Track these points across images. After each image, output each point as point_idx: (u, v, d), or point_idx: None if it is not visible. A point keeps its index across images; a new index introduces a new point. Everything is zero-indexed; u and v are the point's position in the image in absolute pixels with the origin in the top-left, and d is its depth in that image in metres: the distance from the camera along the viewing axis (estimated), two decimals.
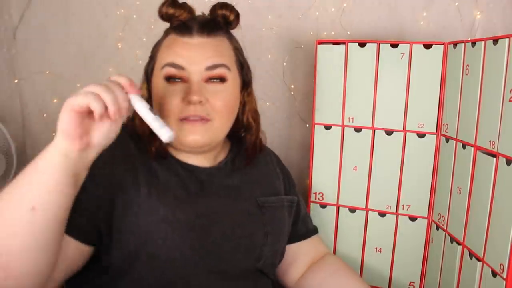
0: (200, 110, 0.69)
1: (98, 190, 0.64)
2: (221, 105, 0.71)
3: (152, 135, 0.73)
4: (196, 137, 0.70)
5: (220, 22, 0.75)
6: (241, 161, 0.82)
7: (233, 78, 0.74)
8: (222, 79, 0.72)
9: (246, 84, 0.79)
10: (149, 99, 0.75)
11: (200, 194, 0.73)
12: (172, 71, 0.70)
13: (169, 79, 0.71)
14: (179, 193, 0.70)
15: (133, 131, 0.73)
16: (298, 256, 0.88)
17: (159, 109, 0.71)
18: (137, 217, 0.66)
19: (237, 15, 0.77)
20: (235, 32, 1.24)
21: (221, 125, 0.73)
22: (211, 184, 0.75)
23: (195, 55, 0.70)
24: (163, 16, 0.75)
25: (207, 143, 0.72)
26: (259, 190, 0.80)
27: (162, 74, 0.71)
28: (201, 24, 0.72)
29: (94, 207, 0.64)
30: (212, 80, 0.71)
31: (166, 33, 0.76)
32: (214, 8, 0.76)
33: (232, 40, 0.77)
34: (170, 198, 0.69)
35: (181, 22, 0.73)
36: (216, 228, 0.70)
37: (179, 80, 0.70)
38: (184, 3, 0.75)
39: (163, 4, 0.74)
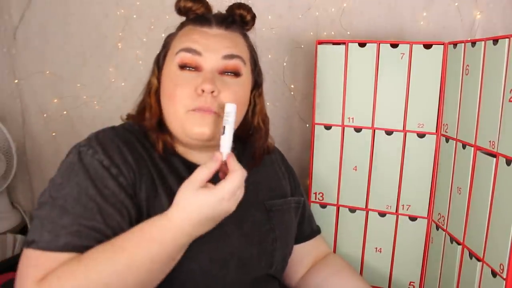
0: (210, 101, 0.67)
1: (126, 199, 0.64)
2: (232, 99, 0.69)
3: (160, 130, 0.71)
4: (203, 129, 0.67)
5: (237, 21, 0.75)
6: (246, 163, 0.80)
7: (247, 74, 0.73)
8: (236, 73, 0.70)
9: (257, 84, 0.78)
10: (158, 88, 0.74)
11: None
12: (187, 56, 0.68)
13: (183, 67, 0.69)
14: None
15: (138, 125, 0.73)
16: (302, 257, 0.87)
17: (169, 98, 0.69)
18: None
19: (253, 16, 0.77)
20: None
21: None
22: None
23: (213, 42, 0.69)
24: (181, 10, 0.74)
25: (213, 136, 0.69)
26: (266, 193, 0.79)
27: (176, 59, 0.69)
28: (220, 18, 0.72)
29: (129, 214, 0.64)
30: (226, 73, 0.70)
31: (182, 25, 0.75)
32: (232, 7, 0.75)
33: (247, 39, 0.77)
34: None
35: (198, 15, 0.73)
36: (229, 238, 0.69)
37: (193, 69, 0.69)
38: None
39: None
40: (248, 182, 0.78)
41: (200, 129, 0.67)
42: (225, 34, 0.71)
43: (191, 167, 0.73)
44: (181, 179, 0.71)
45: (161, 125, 0.73)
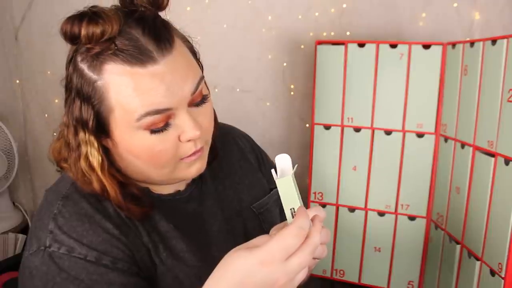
0: (199, 142, 0.57)
1: (140, 280, 0.55)
2: (209, 123, 0.59)
3: (133, 200, 0.59)
4: (198, 166, 0.60)
5: (150, 11, 0.54)
6: (214, 168, 0.70)
7: (203, 82, 0.59)
8: (204, 96, 0.57)
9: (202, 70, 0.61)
10: (105, 156, 0.56)
11: (201, 235, 0.64)
12: (157, 118, 0.52)
13: (154, 129, 0.54)
14: (181, 246, 0.61)
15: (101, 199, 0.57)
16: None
17: (148, 162, 0.56)
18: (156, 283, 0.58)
19: None
20: (236, 32, 1.23)
21: (209, 141, 0.63)
22: (202, 210, 0.66)
23: (173, 84, 0.52)
24: (80, 38, 0.52)
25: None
26: (248, 193, 0.72)
27: (141, 125, 0.52)
28: (153, 39, 0.51)
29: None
30: (195, 103, 0.56)
31: (101, 62, 0.52)
32: None
33: (179, 34, 0.57)
34: (175, 252, 0.60)
35: (110, 42, 0.51)
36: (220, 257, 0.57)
37: (165, 126, 0.54)
38: (106, 14, 0.52)
39: (79, 21, 0.52)
40: (225, 187, 0.70)
41: (195, 168, 0.59)
42: (173, 59, 0.52)
43: (169, 199, 0.65)
44: (168, 218, 0.62)
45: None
